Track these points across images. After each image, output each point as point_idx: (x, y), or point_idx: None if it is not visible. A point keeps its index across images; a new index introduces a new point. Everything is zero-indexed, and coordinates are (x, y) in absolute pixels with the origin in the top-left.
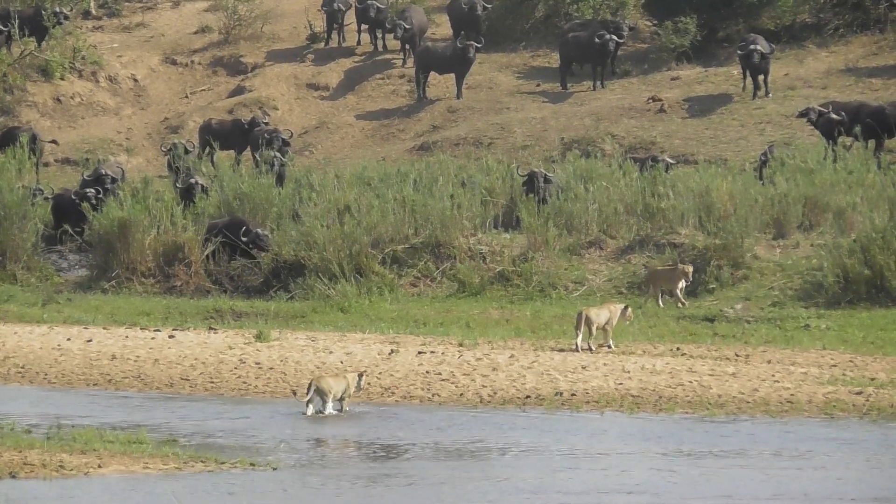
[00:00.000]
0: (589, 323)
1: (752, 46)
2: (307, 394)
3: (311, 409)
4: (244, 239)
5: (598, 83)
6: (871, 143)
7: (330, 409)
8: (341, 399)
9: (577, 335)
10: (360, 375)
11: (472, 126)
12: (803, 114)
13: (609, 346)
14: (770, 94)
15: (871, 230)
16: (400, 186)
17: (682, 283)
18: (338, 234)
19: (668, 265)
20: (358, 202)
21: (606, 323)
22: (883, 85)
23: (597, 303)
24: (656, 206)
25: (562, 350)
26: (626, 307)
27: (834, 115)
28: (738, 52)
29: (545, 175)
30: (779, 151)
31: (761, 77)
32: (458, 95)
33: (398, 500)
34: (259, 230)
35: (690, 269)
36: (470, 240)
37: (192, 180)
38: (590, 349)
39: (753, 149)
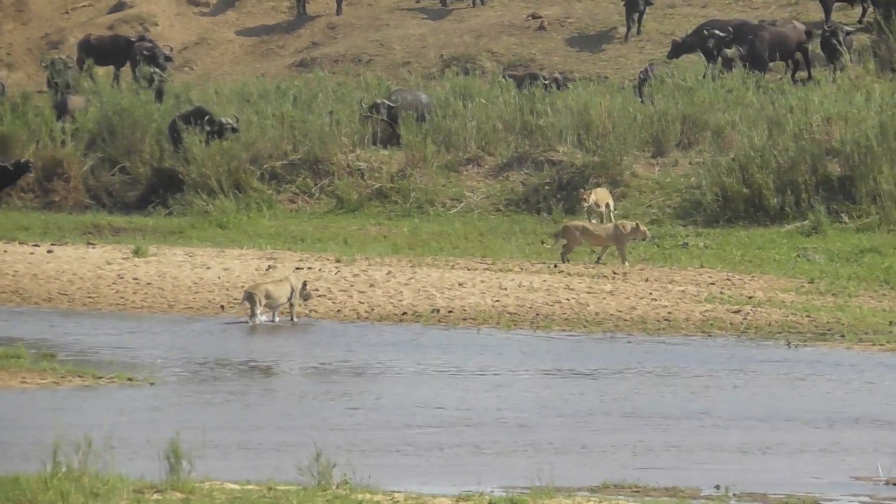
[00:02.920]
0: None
1: None
2: (242, 302)
3: (257, 320)
4: (207, 128)
5: (478, 0)
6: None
7: (260, 318)
8: (290, 304)
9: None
10: (304, 284)
11: (351, 43)
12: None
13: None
14: (641, 33)
15: (750, 149)
16: (279, 103)
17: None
18: (216, 149)
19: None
20: (237, 118)
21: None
22: (763, 3)
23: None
24: (535, 124)
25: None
26: (636, 224)
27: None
28: None
29: (388, 105)
30: (658, 69)
31: (636, 15)
32: (338, 12)
33: (269, 414)
34: (224, 119)
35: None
36: (348, 156)
37: (67, 97)
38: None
39: (633, 67)
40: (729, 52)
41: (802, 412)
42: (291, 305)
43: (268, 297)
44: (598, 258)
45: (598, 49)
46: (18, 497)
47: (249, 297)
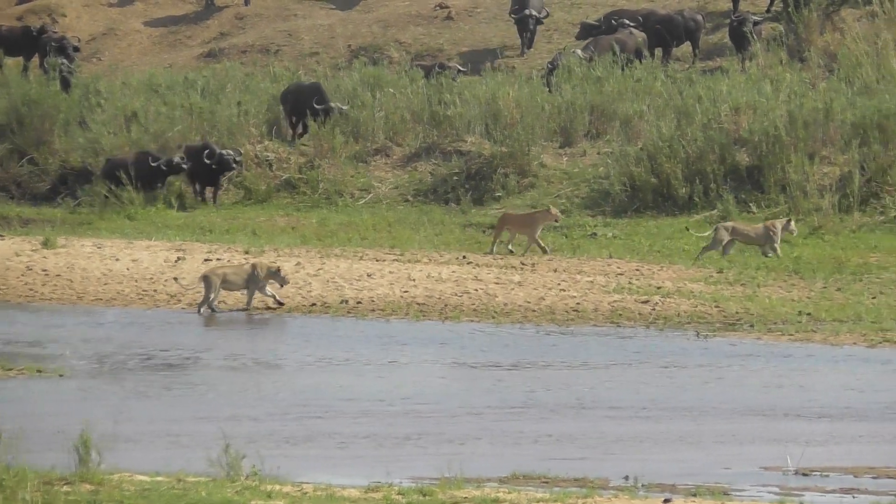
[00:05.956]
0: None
1: (526, 12)
2: (197, 283)
3: (210, 307)
4: (207, 161)
5: None
6: (659, 51)
7: (209, 308)
8: (249, 287)
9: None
10: (278, 269)
11: (259, 33)
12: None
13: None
14: (529, 50)
15: (658, 139)
16: (187, 93)
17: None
18: (125, 140)
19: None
20: (145, 109)
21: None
22: None
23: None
24: (443, 114)
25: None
26: (788, 220)
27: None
28: (512, 15)
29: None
30: (566, 59)
31: (527, 34)
32: (246, 2)
33: (179, 405)
34: (223, 151)
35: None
36: (257, 147)
37: None
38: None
39: (541, 56)
40: (581, 53)
41: (711, 402)
42: (253, 289)
43: (225, 281)
44: (765, 253)
45: (506, 39)
46: None
47: (206, 280)
